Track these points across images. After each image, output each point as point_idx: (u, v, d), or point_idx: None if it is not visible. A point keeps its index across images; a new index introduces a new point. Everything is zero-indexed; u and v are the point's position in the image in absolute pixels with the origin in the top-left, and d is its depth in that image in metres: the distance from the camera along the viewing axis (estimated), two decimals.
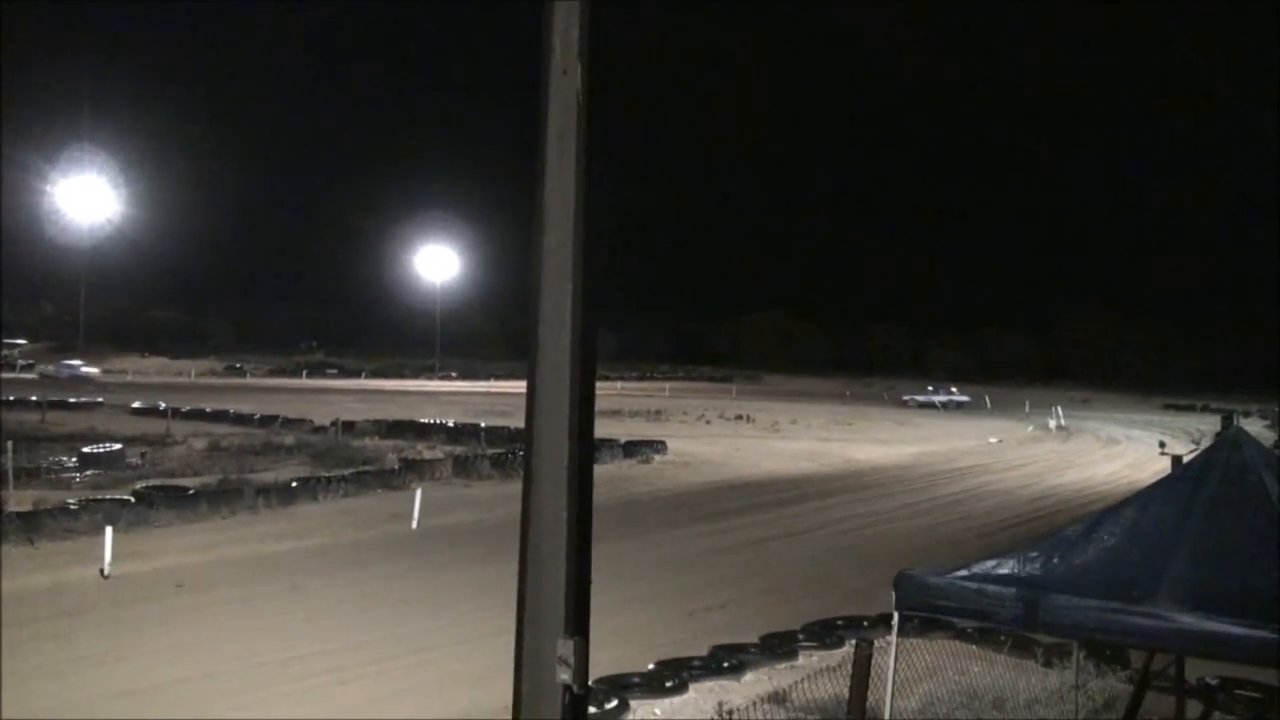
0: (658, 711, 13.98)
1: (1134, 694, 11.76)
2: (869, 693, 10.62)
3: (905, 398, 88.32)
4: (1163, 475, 11.56)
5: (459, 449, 40.43)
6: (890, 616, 10.28)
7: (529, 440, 4.91)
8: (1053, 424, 65.62)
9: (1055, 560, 9.24)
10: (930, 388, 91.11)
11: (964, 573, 9.45)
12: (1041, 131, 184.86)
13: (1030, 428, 64.48)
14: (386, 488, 32.28)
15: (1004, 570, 9.31)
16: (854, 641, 12.44)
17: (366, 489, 31.80)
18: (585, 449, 4.82)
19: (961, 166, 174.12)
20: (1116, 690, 13.37)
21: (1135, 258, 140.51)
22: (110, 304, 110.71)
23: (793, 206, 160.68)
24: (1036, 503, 34.94)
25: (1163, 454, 44.85)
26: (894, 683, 10.32)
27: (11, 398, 56.37)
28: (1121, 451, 52.99)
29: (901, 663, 10.95)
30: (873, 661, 10.60)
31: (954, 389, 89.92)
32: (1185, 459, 20.54)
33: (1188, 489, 9.60)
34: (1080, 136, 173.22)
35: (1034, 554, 9.45)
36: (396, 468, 34.95)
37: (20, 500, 26.83)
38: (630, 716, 13.66)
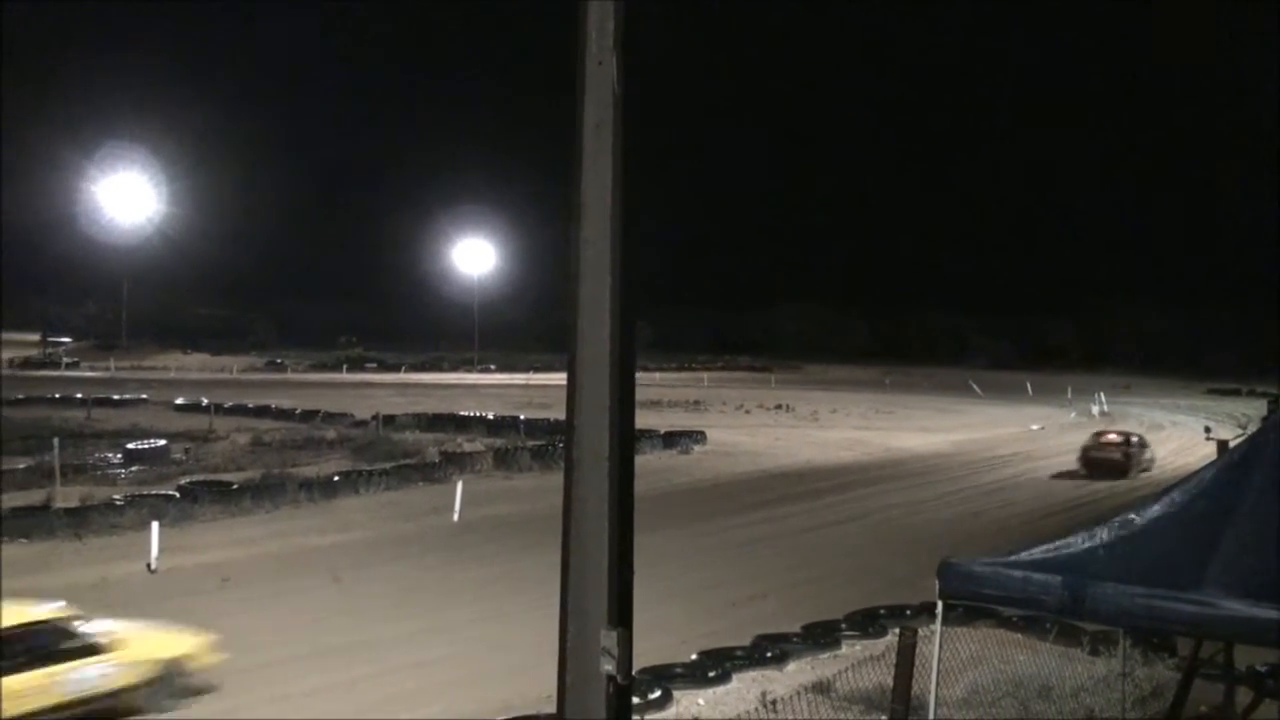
0: (701, 702, 13.99)
1: (1182, 681, 11.65)
2: (913, 682, 10.57)
3: None
4: (1209, 460, 11.44)
5: (499, 441, 40.54)
6: (933, 605, 10.23)
7: (570, 432, 4.91)
8: (1095, 410, 64.87)
9: (1101, 548, 9.16)
10: None
11: (1008, 561, 9.39)
12: (1081, 115, 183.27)
13: (1073, 414, 63.80)
14: (427, 481, 32.41)
15: (1049, 558, 9.24)
16: (897, 630, 12.39)
17: (408, 482, 31.95)
18: (626, 440, 4.82)
19: (1001, 153, 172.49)
20: (1164, 678, 13.25)
21: (1179, 241, 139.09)
22: (152, 302, 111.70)
23: (831, 194, 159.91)
24: (1080, 489, 34.66)
25: (1208, 439, 44.31)
26: (938, 672, 10.27)
27: (57, 395, 56.98)
28: (1166, 437, 52.36)
29: (946, 652, 10.89)
30: (916, 650, 10.54)
31: None
32: (1231, 444, 20.32)
33: (1234, 474, 9.49)
34: (1121, 120, 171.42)
35: (1079, 541, 9.37)
36: (437, 461, 35.08)
37: (67, 496, 27.14)
38: (674, 707, 13.67)
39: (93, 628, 13.84)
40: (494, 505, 29.04)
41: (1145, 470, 38.02)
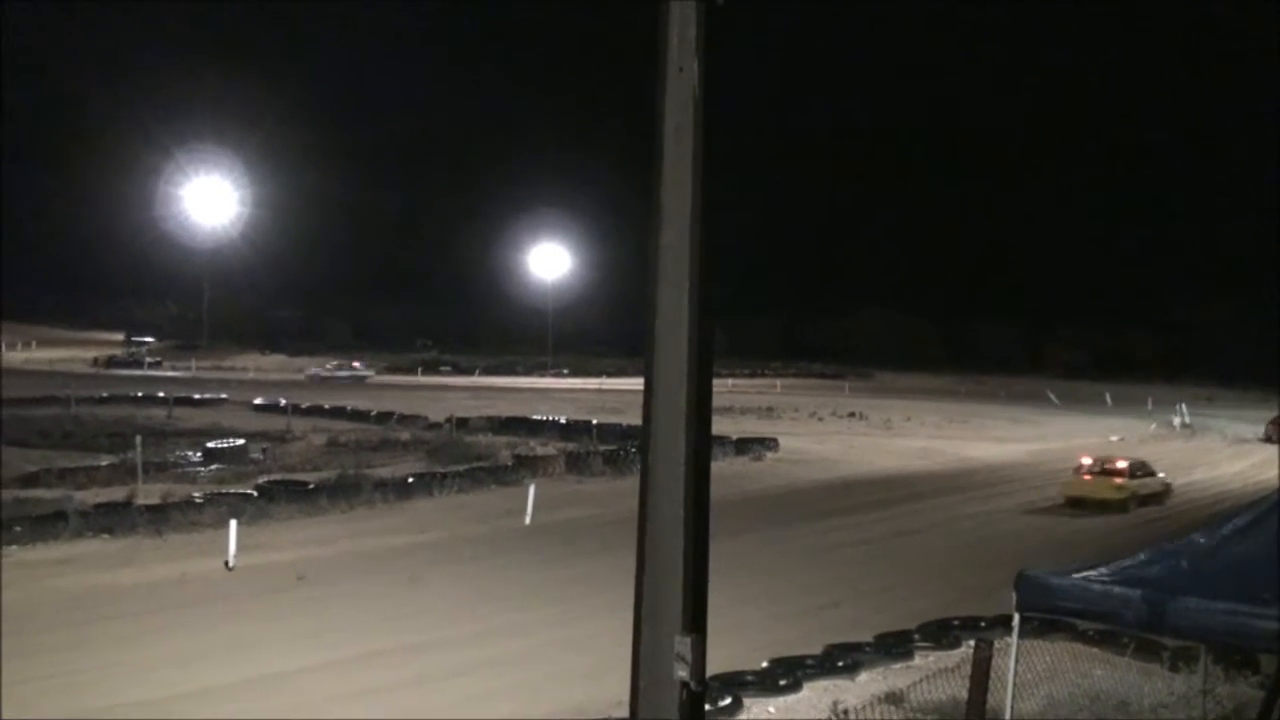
0: (772, 710, 13.93)
1: (1265, 700, 11.40)
2: (988, 695, 10.45)
3: (309, 373, 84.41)
4: None
5: (571, 446, 40.65)
6: (1009, 617, 10.11)
7: (646, 437, 4.92)
8: (1176, 421, 63.55)
9: (1183, 562, 9.01)
10: (335, 362, 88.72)
11: (1087, 574, 9.26)
12: (1158, 116, 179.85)
13: (1153, 425, 62.61)
14: (500, 484, 32.59)
15: (1128, 571, 9.11)
16: (972, 642, 12.25)
17: (480, 485, 32.16)
18: (702, 447, 4.82)
19: (1078, 159, 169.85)
20: (1246, 695, 12.96)
21: (1264, 246, 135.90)
22: (232, 303, 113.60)
23: (903, 202, 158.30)
24: (1160, 505, 34.00)
25: None
26: (1014, 685, 10.15)
27: (140, 394, 58.11)
28: (1250, 450, 51.31)
29: (1021, 664, 10.76)
30: (992, 663, 10.41)
31: (356, 363, 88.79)
32: None
33: None
34: (1198, 118, 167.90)
35: (1160, 555, 9.23)
36: (510, 464, 35.27)
37: (149, 493, 27.67)
38: (744, 714, 13.62)
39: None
40: (566, 509, 29.16)
41: None
